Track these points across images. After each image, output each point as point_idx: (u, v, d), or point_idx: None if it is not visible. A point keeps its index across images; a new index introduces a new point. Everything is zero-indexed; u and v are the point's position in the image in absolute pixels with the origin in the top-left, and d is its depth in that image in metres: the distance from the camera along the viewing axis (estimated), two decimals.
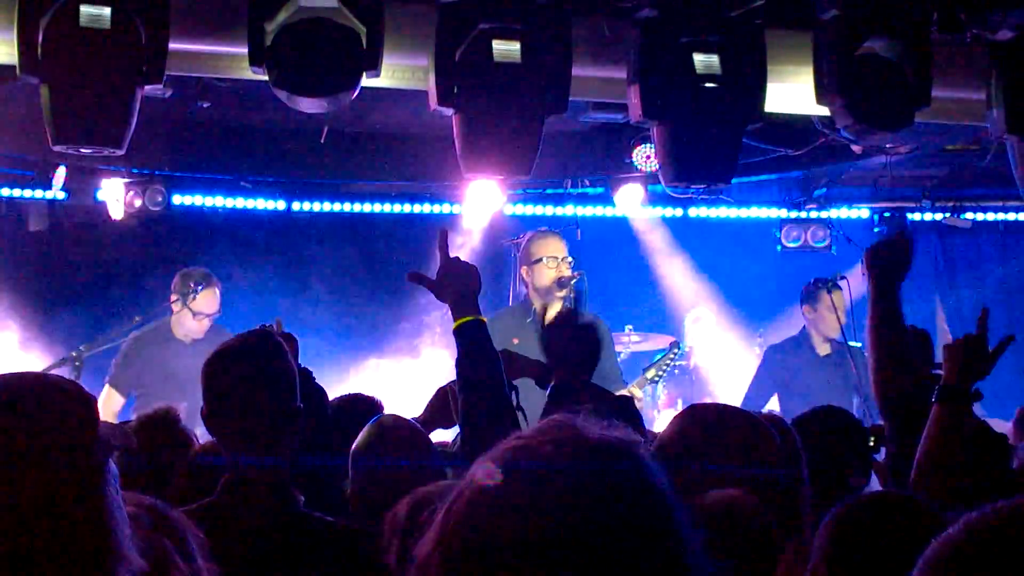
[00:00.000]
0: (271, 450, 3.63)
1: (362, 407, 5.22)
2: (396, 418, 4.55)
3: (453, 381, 5.01)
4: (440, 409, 5.40)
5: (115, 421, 8.55)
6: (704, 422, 3.27)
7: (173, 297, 8.94)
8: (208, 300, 8.91)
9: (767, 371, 9.72)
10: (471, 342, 4.40)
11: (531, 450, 1.72)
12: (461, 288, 4.49)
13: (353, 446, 4.28)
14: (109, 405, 8.78)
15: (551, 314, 8.37)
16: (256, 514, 3.59)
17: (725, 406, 3.53)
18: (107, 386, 8.92)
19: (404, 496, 3.37)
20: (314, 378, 4.89)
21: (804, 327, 9.65)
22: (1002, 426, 5.96)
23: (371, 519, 3.73)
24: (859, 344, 9.34)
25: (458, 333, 4.44)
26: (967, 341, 4.25)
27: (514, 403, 4.74)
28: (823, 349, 9.57)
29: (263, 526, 3.58)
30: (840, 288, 9.29)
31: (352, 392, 5.40)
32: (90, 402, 2.27)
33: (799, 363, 9.53)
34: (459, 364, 4.42)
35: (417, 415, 5.37)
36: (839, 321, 9.29)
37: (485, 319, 4.50)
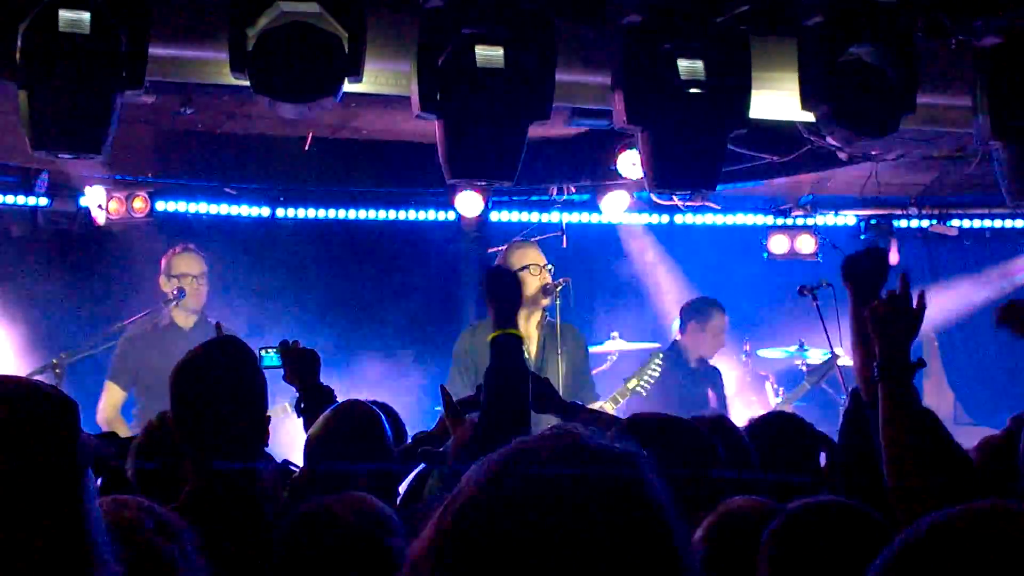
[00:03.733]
0: (238, 459, 3.61)
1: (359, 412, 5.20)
2: (356, 404, 4.56)
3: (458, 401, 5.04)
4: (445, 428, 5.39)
5: (118, 415, 8.74)
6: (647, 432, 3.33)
7: (167, 283, 9.20)
8: (190, 261, 9.23)
9: None
10: (504, 355, 4.59)
11: (532, 454, 1.73)
12: (506, 297, 4.63)
13: (310, 431, 4.28)
14: (110, 400, 9.00)
15: (530, 326, 8.36)
16: (218, 523, 3.55)
17: (666, 415, 3.58)
18: (107, 381, 9.10)
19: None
20: (335, 396, 4.90)
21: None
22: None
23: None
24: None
25: (494, 343, 4.56)
26: (890, 304, 3.98)
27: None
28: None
29: (225, 535, 3.54)
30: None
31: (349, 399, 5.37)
32: (71, 408, 2.24)
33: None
34: (488, 373, 4.58)
35: (424, 431, 5.38)
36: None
37: (523, 335, 4.62)
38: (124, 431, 7.43)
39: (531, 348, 8.32)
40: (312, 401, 5.10)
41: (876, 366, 3.90)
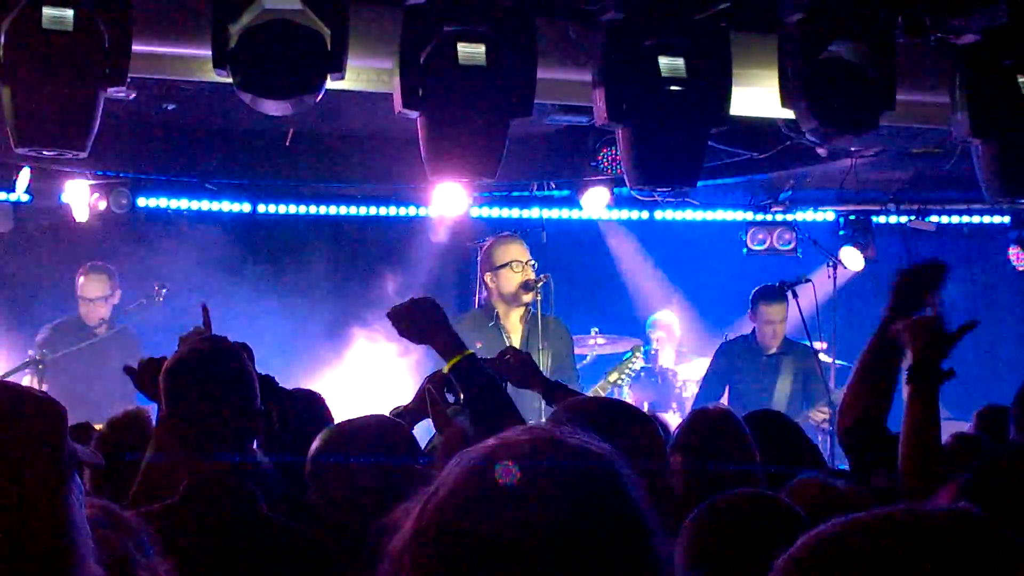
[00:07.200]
0: (232, 453, 3.63)
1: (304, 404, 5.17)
2: (382, 419, 4.49)
3: (432, 375, 5.06)
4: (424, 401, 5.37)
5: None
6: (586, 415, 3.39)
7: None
8: (91, 286, 9.73)
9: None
10: (471, 379, 4.57)
11: (510, 449, 1.74)
12: (433, 326, 4.62)
13: (312, 447, 4.21)
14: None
15: (514, 319, 8.42)
16: (216, 517, 3.58)
17: (598, 398, 3.62)
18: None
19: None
20: (276, 384, 4.88)
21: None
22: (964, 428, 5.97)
23: (338, 519, 3.77)
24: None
25: (454, 373, 4.57)
26: (928, 319, 4.19)
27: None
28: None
29: (223, 529, 3.57)
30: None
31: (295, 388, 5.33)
32: (60, 413, 2.25)
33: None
34: (466, 402, 4.58)
35: (400, 406, 5.35)
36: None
37: (473, 352, 4.61)
38: None
39: (515, 341, 8.38)
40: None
41: (908, 368, 4.08)
